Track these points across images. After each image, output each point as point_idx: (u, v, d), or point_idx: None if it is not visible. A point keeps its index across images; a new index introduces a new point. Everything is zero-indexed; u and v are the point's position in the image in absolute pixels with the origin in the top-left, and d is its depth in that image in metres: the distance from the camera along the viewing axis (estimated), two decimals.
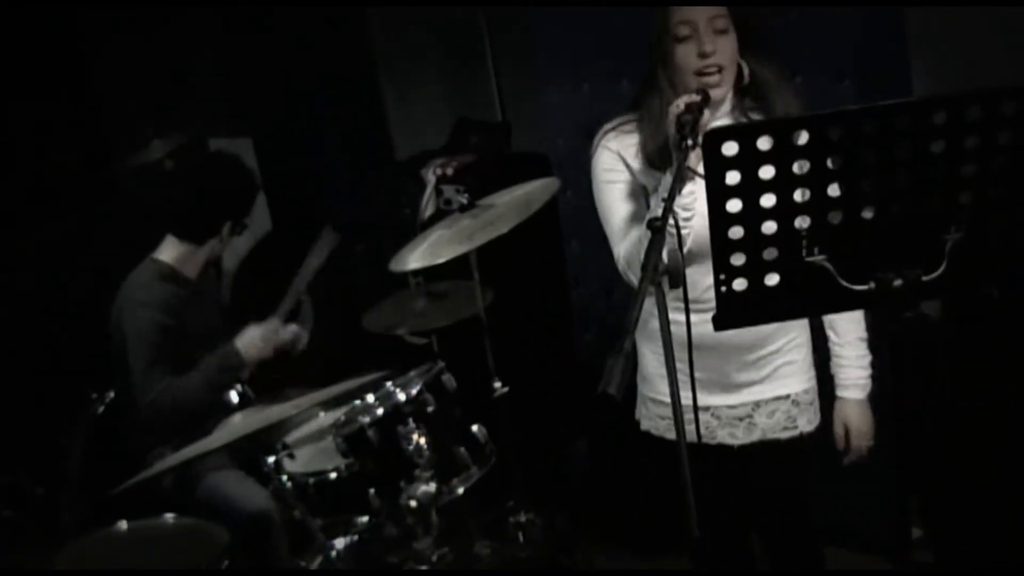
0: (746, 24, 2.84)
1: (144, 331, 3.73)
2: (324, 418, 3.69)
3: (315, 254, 4.09)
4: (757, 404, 3.04)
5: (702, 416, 2.99)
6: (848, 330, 3.04)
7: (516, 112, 5.78)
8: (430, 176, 5.26)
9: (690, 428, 2.95)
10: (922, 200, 2.05)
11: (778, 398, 3.04)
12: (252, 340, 3.86)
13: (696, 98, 2.67)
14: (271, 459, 3.34)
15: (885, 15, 4.05)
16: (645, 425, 3.18)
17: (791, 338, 3.03)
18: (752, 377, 3.01)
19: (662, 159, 2.79)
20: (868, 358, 3.07)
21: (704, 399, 2.98)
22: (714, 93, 2.78)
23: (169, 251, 3.91)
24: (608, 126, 2.98)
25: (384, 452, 3.37)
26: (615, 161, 2.94)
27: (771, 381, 3.03)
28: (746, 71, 2.85)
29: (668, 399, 2.43)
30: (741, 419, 3.04)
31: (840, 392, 3.08)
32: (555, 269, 4.92)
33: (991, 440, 3.82)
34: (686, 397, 2.77)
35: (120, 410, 3.94)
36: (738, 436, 3.05)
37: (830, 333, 3.06)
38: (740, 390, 3.02)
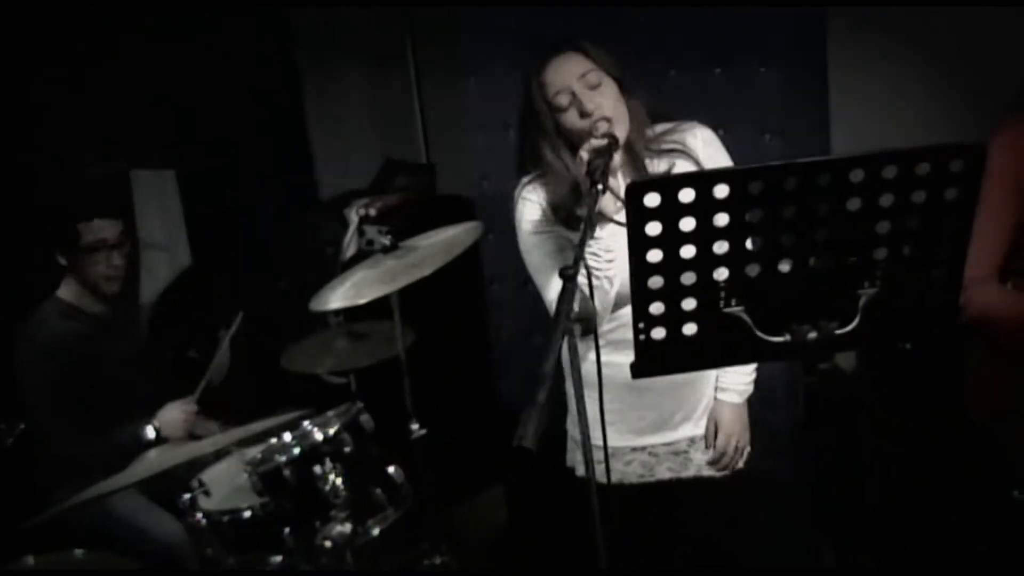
0: (617, 70, 2.89)
1: (36, 372, 3.74)
2: (240, 456, 3.67)
3: (227, 339, 4.11)
4: (692, 440, 3.08)
5: (640, 456, 3.07)
6: None
7: (442, 154, 5.81)
8: (353, 216, 5.26)
9: (627, 470, 3.01)
10: (838, 255, 2.07)
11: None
12: (174, 422, 3.85)
13: (601, 143, 2.71)
14: (186, 496, 3.31)
15: (808, 73, 4.13)
16: (581, 470, 3.17)
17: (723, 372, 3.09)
18: (688, 412, 3.06)
19: (567, 213, 2.85)
20: (752, 365, 3.12)
21: (643, 440, 3.06)
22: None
23: (68, 287, 3.90)
24: (526, 179, 3.01)
25: (300, 491, 3.34)
26: (539, 212, 2.96)
27: (705, 416, 3.09)
28: (631, 110, 2.90)
29: (599, 443, 2.46)
30: (677, 454, 3.08)
31: (719, 395, 3.11)
32: (476, 312, 4.92)
33: (902, 485, 3.90)
34: (618, 439, 2.83)
35: (30, 443, 3.90)
36: (676, 470, 3.09)
37: None
38: (677, 427, 3.06)
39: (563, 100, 2.83)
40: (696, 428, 3.08)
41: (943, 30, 4.07)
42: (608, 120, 2.81)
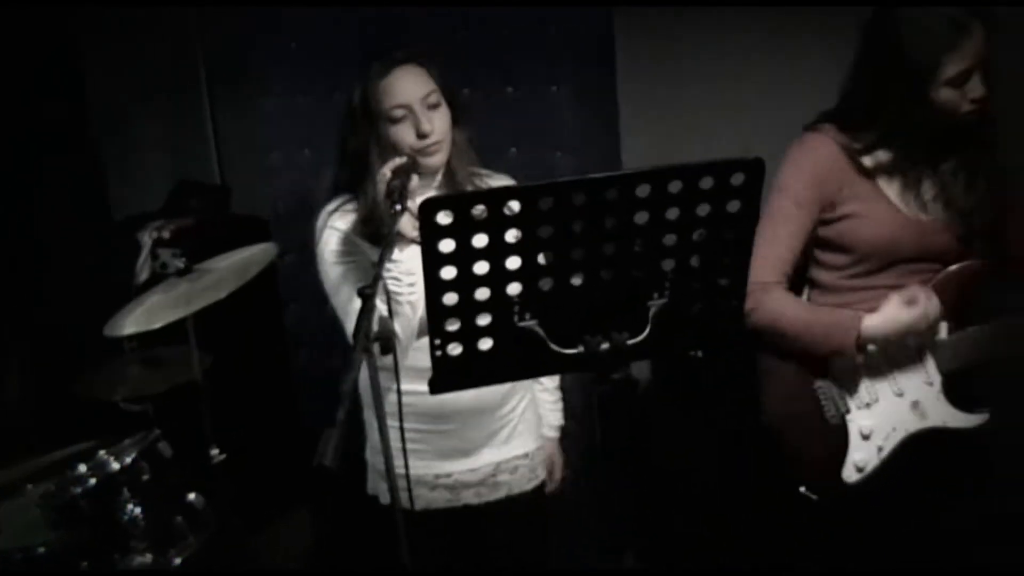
0: (456, 97, 2.92)
1: None
2: (32, 490, 3.56)
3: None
4: (498, 464, 3.09)
5: (446, 482, 3.06)
6: (549, 378, 3.29)
7: (236, 175, 5.75)
8: (146, 239, 5.16)
9: (432, 495, 3.02)
10: (628, 268, 2.12)
11: (516, 457, 3.13)
12: None
13: (402, 161, 2.73)
14: None
15: (598, 91, 4.23)
16: (383, 498, 3.13)
17: (522, 397, 3.13)
18: (492, 440, 3.07)
19: (380, 232, 2.79)
20: (561, 404, 3.33)
21: (447, 467, 3.05)
22: (430, 162, 2.85)
23: None
24: (331, 207, 2.95)
25: (97, 523, 3.27)
26: (343, 242, 2.91)
27: (510, 441, 3.11)
28: (457, 139, 2.93)
29: (402, 470, 2.45)
30: (484, 480, 3.09)
31: (546, 431, 3.29)
32: (274, 333, 4.88)
33: (696, 487, 4.03)
34: (422, 466, 2.84)
35: None
36: (484, 494, 3.10)
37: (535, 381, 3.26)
38: (480, 453, 3.07)
39: (398, 113, 2.81)
40: (501, 453, 3.10)
41: (730, 47, 4.22)
42: (439, 143, 2.84)
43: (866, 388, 2.90)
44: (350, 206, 2.93)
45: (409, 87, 2.83)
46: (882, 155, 2.83)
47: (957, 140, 2.80)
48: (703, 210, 2.09)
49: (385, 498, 3.12)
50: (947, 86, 2.67)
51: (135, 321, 3.52)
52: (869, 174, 2.84)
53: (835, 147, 2.84)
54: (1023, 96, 2.95)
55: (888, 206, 2.84)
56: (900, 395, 2.89)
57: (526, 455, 3.16)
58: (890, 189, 2.85)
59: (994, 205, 2.85)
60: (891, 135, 2.79)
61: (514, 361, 2.17)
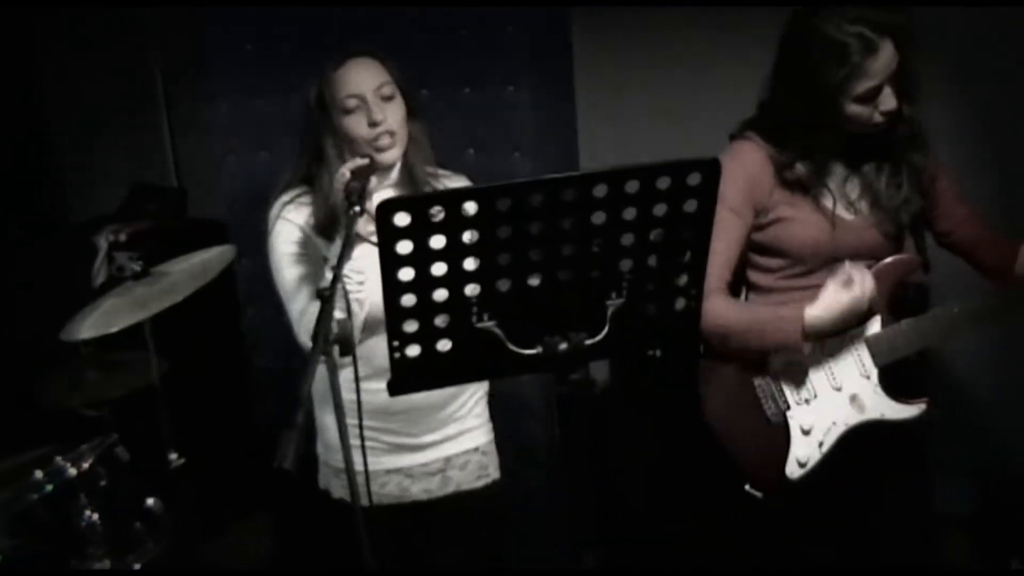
0: (410, 91, 2.93)
1: None
2: None
3: None
4: (448, 459, 3.10)
5: (395, 477, 3.07)
6: None
7: (192, 178, 5.72)
8: (102, 242, 5.12)
9: (381, 492, 3.02)
10: (585, 268, 2.12)
11: (467, 451, 3.13)
12: None
13: (363, 162, 2.74)
14: None
15: (555, 91, 4.23)
16: (336, 493, 3.15)
17: (473, 394, 3.13)
18: (442, 435, 3.08)
19: (334, 229, 2.80)
20: None
21: (398, 461, 3.06)
22: (386, 157, 2.85)
23: None
24: (285, 198, 2.96)
25: (54, 530, 3.24)
26: (296, 234, 2.92)
27: (460, 437, 3.11)
28: (413, 133, 2.94)
29: (358, 467, 2.45)
30: (434, 474, 3.09)
31: None
32: (231, 337, 4.86)
33: (653, 487, 4.04)
34: (371, 461, 2.81)
35: None
36: (432, 490, 3.10)
37: None
38: (430, 448, 3.07)
39: (351, 103, 2.83)
40: (453, 448, 3.11)
41: (687, 47, 4.24)
42: (392, 134, 2.85)
43: (805, 384, 2.94)
44: (305, 199, 2.95)
45: (362, 77, 2.85)
46: (804, 168, 2.86)
47: (876, 140, 2.84)
48: (660, 210, 2.09)
49: (336, 492, 3.13)
50: (856, 102, 2.71)
51: (92, 325, 3.49)
52: (795, 184, 2.88)
53: (762, 154, 2.88)
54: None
55: (816, 208, 2.89)
56: (838, 390, 2.92)
57: (476, 449, 3.16)
58: (817, 192, 2.89)
59: (920, 198, 2.91)
60: (809, 148, 2.83)
61: (473, 362, 2.17)
